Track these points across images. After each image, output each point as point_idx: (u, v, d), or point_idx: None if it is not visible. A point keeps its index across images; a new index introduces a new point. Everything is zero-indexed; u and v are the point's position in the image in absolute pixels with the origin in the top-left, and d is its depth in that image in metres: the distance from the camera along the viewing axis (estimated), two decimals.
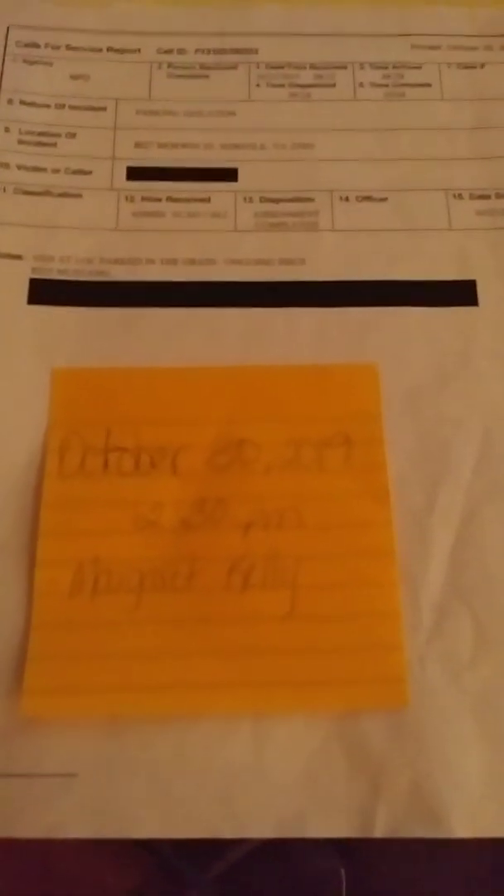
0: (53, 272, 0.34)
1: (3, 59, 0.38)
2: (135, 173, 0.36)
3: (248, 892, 0.29)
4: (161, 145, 0.37)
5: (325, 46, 0.39)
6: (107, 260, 0.34)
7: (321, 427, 0.32)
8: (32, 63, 0.38)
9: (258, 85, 0.38)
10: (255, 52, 0.39)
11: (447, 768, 0.28)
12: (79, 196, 0.35)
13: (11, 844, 0.28)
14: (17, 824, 0.27)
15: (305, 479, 0.31)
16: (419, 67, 0.38)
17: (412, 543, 0.30)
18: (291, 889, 0.28)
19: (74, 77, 0.38)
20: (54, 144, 0.36)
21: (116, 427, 0.31)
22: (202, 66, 0.38)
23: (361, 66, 0.38)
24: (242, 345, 0.33)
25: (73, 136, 0.37)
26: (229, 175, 0.36)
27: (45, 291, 0.34)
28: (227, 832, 0.27)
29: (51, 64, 0.38)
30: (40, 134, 0.36)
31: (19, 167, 0.36)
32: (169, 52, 0.38)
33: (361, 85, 0.38)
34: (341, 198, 0.36)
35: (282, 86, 0.38)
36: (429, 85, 0.38)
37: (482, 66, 0.39)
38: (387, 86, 0.38)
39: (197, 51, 0.39)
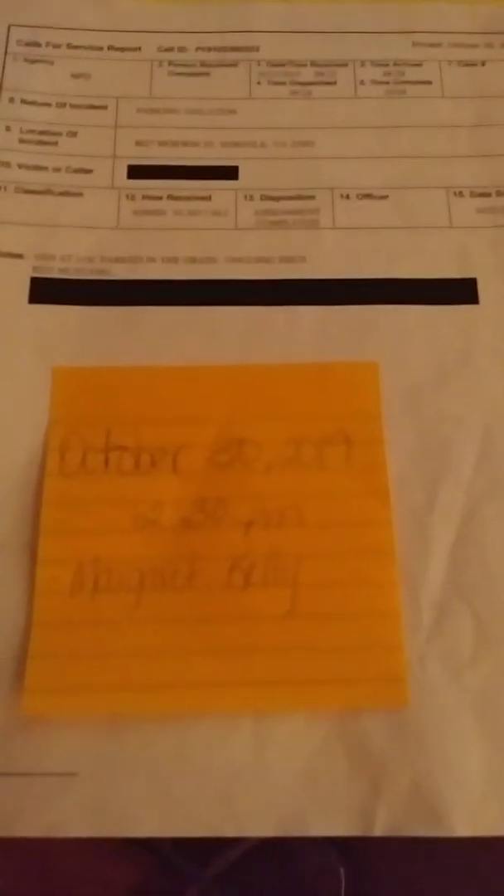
0: (54, 271, 0.34)
1: (4, 58, 0.38)
2: (136, 172, 0.36)
3: (247, 891, 0.29)
4: (162, 143, 0.37)
5: (326, 44, 0.39)
6: (108, 258, 0.34)
7: (321, 425, 0.32)
8: (33, 62, 0.38)
9: (259, 83, 0.38)
10: (256, 49, 0.39)
11: (448, 767, 0.28)
12: (80, 195, 0.35)
13: (11, 843, 0.28)
14: (17, 823, 0.27)
15: (306, 478, 0.31)
16: (420, 65, 0.38)
17: (412, 542, 0.30)
18: (291, 887, 0.28)
19: (75, 76, 0.38)
20: (55, 143, 0.36)
21: (117, 426, 0.31)
22: (203, 64, 0.38)
23: (362, 63, 0.38)
24: (243, 343, 0.33)
25: (73, 134, 0.37)
26: (230, 173, 0.36)
27: (46, 290, 0.34)
28: (228, 831, 0.27)
29: (52, 63, 0.38)
30: (41, 133, 0.36)
31: (20, 166, 0.36)
32: (170, 50, 0.38)
33: (362, 82, 0.38)
34: (342, 195, 0.36)
35: (283, 83, 0.38)
36: (430, 82, 0.38)
37: (483, 63, 0.39)
38: (388, 83, 0.38)
39: (197, 49, 0.39)
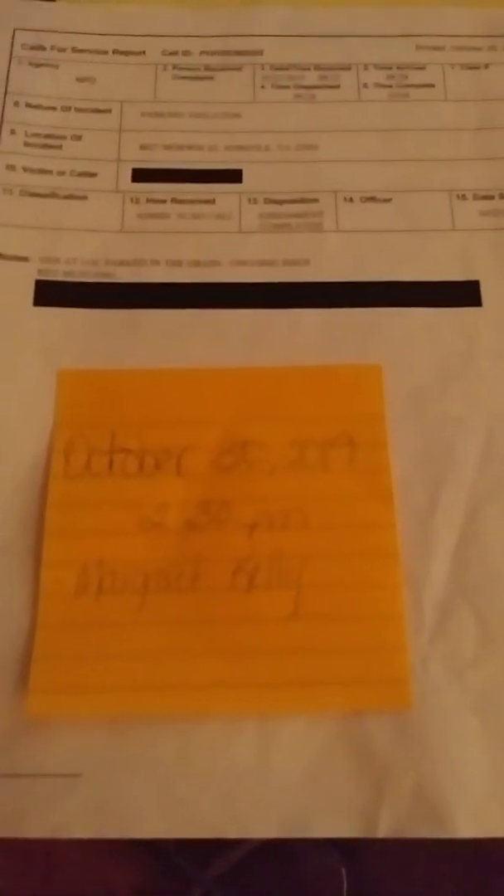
0: (59, 274, 0.34)
1: (10, 62, 0.38)
2: (140, 175, 0.36)
3: (250, 891, 0.29)
4: (166, 147, 0.37)
5: (330, 47, 0.39)
6: (112, 261, 0.35)
7: (325, 428, 0.32)
8: (38, 65, 0.38)
9: (263, 86, 0.38)
10: (260, 53, 0.39)
11: (451, 768, 0.28)
12: (84, 198, 0.36)
13: (14, 844, 0.28)
14: (21, 824, 0.27)
15: (310, 480, 0.31)
16: (423, 68, 0.39)
17: (415, 543, 0.30)
18: (293, 888, 0.29)
19: (80, 79, 0.38)
20: (60, 147, 0.36)
21: (121, 428, 0.32)
22: (207, 68, 0.38)
23: (366, 67, 0.39)
24: (247, 346, 0.33)
25: (78, 138, 0.37)
26: (234, 176, 0.36)
27: (50, 293, 0.34)
28: (231, 832, 0.27)
29: (56, 66, 0.38)
30: (46, 136, 0.37)
31: (25, 169, 0.36)
32: (174, 53, 0.39)
33: (366, 86, 0.38)
34: (345, 199, 0.36)
35: (286, 87, 0.38)
36: (433, 86, 0.38)
37: (486, 66, 0.39)
38: (391, 86, 0.38)
39: (202, 52, 0.39)
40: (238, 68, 0.38)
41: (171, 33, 0.39)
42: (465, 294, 0.34)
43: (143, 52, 0.39)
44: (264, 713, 0.28)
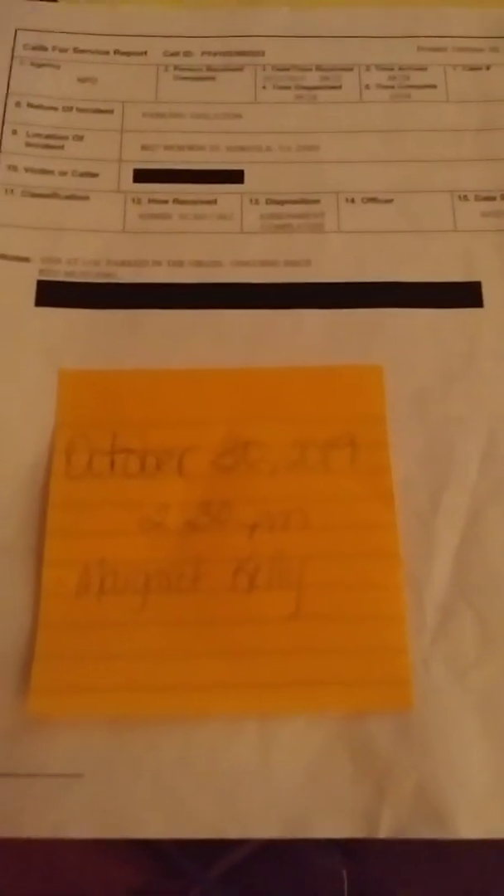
0: (61, 274, 0.34)
1: (11, 62, 0.38)
2: (141, 175, 0.36)
3: (250, 892, 0.29)
4: (167, 147, 0.37)
5: (331, 48, 0.39)
6: (114, 262, 0.35)
7: (327, 428, 0.32)
8: (40, 66, 0.38)
9: (264, 87, 0.38)
10: (262, 54, 0.39)
11: (452, 769, 0.28)
12: (86, 198, 0.36)
13: (14, 843, 0.28)
14: (22, 824, 0.27)
15: (311, 481, 0.31)
16: (425, 69, 0.38)
17: (417, 544, 0.30)
18: (293, 889, 0.29)
19: (81, 80, 0.38)
20: (62, 147, 0.36)
21: (123, 429, 0.32)
22: (208, 69, 0.38)
23: (367, 67, 0.39)
24: (248, 346, 0.33)
25: (80, 138, 0.37)
26: (235, 177, 0.36)
27: (52, 293, 0.34)
28: (233, 833, 0.27)
29: (58, 67, 0.38)
30: (48, 136, 0.37)
31: (27, 170, 0.36)
32: (175, 54, 0.39)
33: (367, 87, 0.38)
34: (347, 199, 0.36)
35: (288, 88, 0.38)
36: (434, 86, 0.38)
37: (488, 67, 0.39)
38: (392, 87, 0.38)
39: (203, 53, 0.39)
40: (239, 69, 0.38)
41: (173, 34, 0.39)
42: (466, 295, 0.34)
43: (145, 53, 0.39)
44: (265, 713, 0.28)
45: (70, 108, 0.37)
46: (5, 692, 0.28)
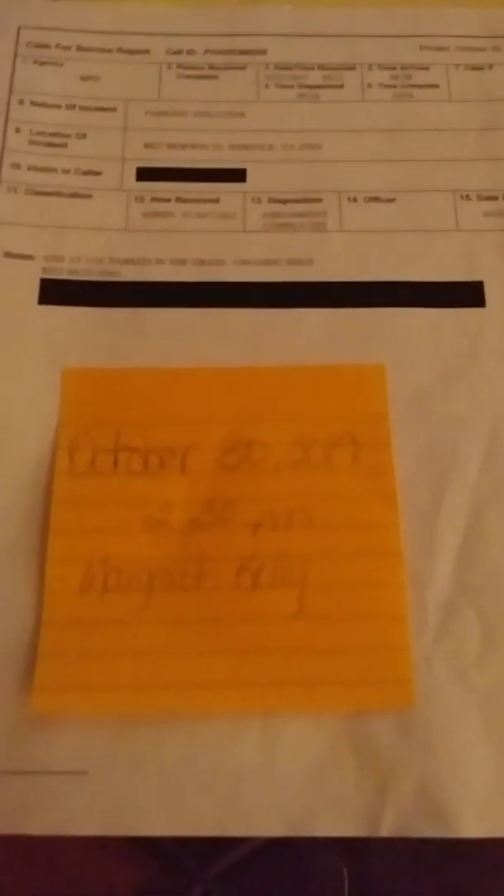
0: (64, 272, 0.34)
1: (14, 60, 0.38)
2: (144, 174, 0.36)
3: (251, 890, 0.29)
4: (170, 146, 0.37)
5: (334, 47, 0.39)
6: (116, 260, 0.35)
7: (329, 427, 0.32)
8: (43, 64, 0.38)
9: (267, 86, 0.38)
10: (264, 52, 0.39)
11: (454, 767, 0.28)
12: (89, 196, 0.36)
13: (16, 840, 0.28)
14: (27, 821, 0.27)
15: (314, 480, 0.31)
16: (427, 68, 0.39)
17: (419, 543, 0.30)
18: (294, 887, 0.29)
19: (85, 78, 0.38)
20: (65, 145, 0.36)
21: (126, 427, 0.32)
22: (211, 67, 0.38)
23: (370, 66, 0.39)
24: (251, 345, 0.33)
25: (83, 136, 0.37)
26: (238, 176, 0.36)
27: (55, 291, 0.34)
28: (236, 831, 0.27)
29: (61, 65, 0.38)
30: (51, 134, 0.37)
31: (30, 168, 0.36)
32: (178, 52, 0.39)
33: (370, 86, 0.38)
34: (349, 198, 0.36)
35: (290, 86, 0.38)
36: (437, 86, 0.38)
37: (490, 67, 0.39)
38: (395, 87, 0.38)
39: (206, 51, 0.39)
40: (242, 67, 0.38)
41: (176, 32, 0.39)
42: (468, 294, 0.34)
43: (148, 51, 0.38)
44: (268, 712, 0.28)
45: (73, 107, 0.37)
46: (9, 690, 0.28)
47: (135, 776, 0.28)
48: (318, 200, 0.36)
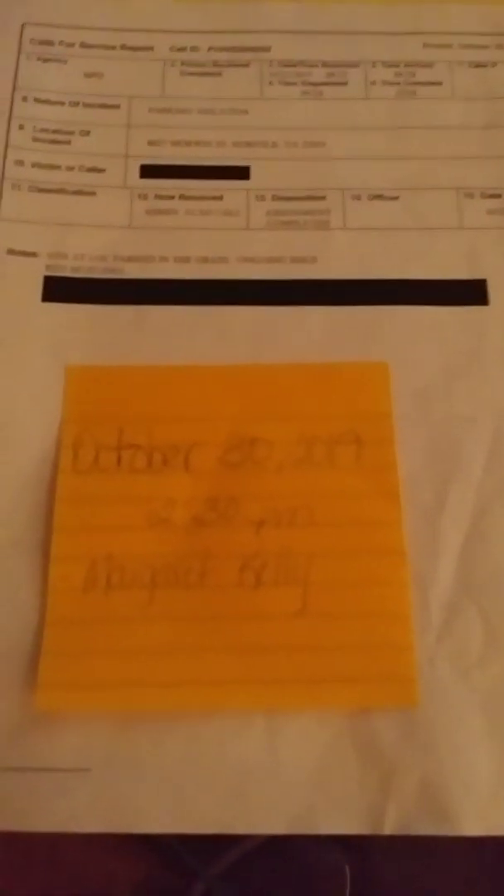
0: (67, 269, 0.34)
1: (18, 57, 0.38)
2: (148, 171, 0.36)
3: (253, 887, 0.29)
4: (174, 143, 0.37)
5: (338, 44, 0.39)
6: (120, 257, 0.35)
7: (332, 425, 0.32)
8: (47, 61, 0.38)
9: (270, 83, 0.38)
10: (268, 49, 0.39)
11: (457, 766, 0.28)
12: (92, 194, 0.36)
13: (18, 838, 0.28)
14: (30, 818, 0.27)
15: (317, 478, 0.31)
16: (431, 66, 0.38)
17: (422, 542, 0.30)
18: (296, 885, 0.29)
19: (88, 75, 0.38)
20: (68, 142, 0.36)
21: (129, 424, 0.32)
22: (215, 64, 0.38)
23: (373, 64, 0.38)
24: (254, 343, 0.33)
25: (86, 133, 0.37)
26: (242, 173, 0.36)
27: (58, 289, 0.34)
28: (239, 828, 0.27)
29: (65, 62, 0.38)
30: (54, 132, 0.37)
31: (34, 165, 0.36)
32: (182, 49, 0.38)
33: (373, 83, 0.38)
34: (353, 196, 0.36)
35: (294, 84, 0.38)
36: (440, 83, 0.38)
37: (494, 64, 0.38)
38: (398, 84, 0.38)
39: (210, 48, 0.39)
40: (246, 64, 0.38)
41: (179, 29, 0.39)
42: (472, 293, 0.34)
43: (152, 48, 0.38)
44: (272, 709, 0.29)
45: (77, 104, 0.37)
46: (13, 687, 0.28)
47: (138, 773, 0.28)
48: (322, 198, 0.36)
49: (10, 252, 0.34)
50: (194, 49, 0.38)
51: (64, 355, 0.33)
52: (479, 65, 0.39)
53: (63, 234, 0.35)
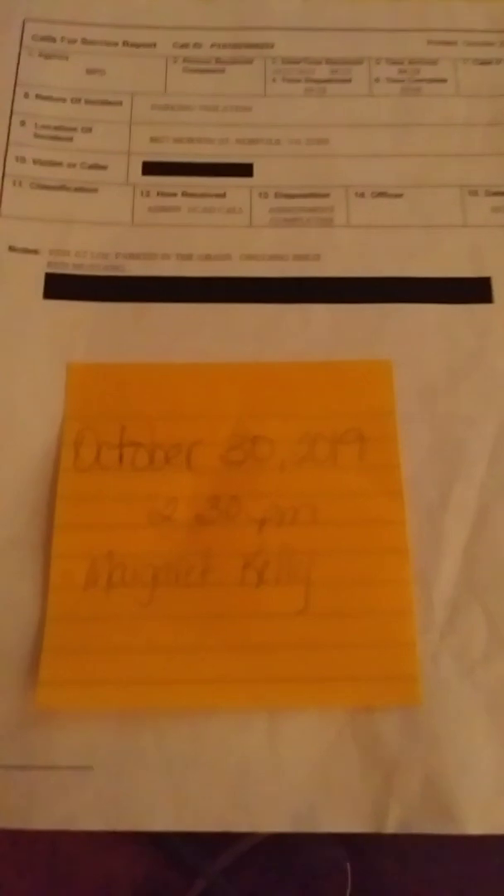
0: (69, 267, 0.34)
1: (20, 53, 0.38)
2: (150, 168, 0.36)
3: (255, 884, 0.29)
4: (176, 140, 0.37)
5: (341, 41, 0.39)
6: (122, 255, 0.34)
7: (335, 423, 0.32)
8: (48, 57, 0.38)
9: (274, 80, 0.38)
10: (271, 46, 0.38)
11: (460, 764, 0.28)
12: (94, 191, 0.35)
13: (20, 835, 0.28)
14: (32, 816, 0.27)
15: (320, 476, 0.31)
16: (435, 63, 0.38)
17: (426, 540, 0.30)
18: (297, 882, 0.29)
19: (90, 71, 0.38)
20: (70, 139, 0.36)
21: (131, 422, 0.32)
22: (218, 61, 0.38)
23: (377, 61, 0.38)
24: (257, 341, 0.33)
25: (88, 130, 0.37)
26: (245, 170, 0.36)
27: (60, 286, 0.34)
28: (241, 826, 0.27)
29: (66, 58, 0.38)
30: (56, 128, 0.36)
31: (35, 161, 0.36)
32: (185, 46, 0.38)
33: (377, 80, 0.38)
34: (356, 193, 0.36)
35: (297, 81, 0.38)
36: (444, 80, 0.38)
37: (498, 61, 0.38)
38: (402, 81, 0.38)
39: (212, 45, 0.38)
40: (249, 61, 0.38)
41: (182, 25, 0.39)
42: (476, 290, 0.34)
43: (154, 45, 0.38)
44: (274, 708, 0.28)
45: (78, 100, 0.37)
46: (14, 685, 0.28)
47: (139, 771, 0.28)
48: (326, 195, 0.36)
49: (12, 249, 0.34)
50: (197, 46, 0.38)
51: (66, 353, 0.33)
52: (483, 62, 0.38)
53: (65, 231, 0.35)
